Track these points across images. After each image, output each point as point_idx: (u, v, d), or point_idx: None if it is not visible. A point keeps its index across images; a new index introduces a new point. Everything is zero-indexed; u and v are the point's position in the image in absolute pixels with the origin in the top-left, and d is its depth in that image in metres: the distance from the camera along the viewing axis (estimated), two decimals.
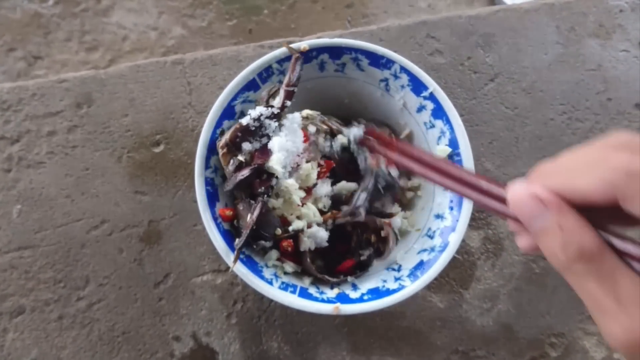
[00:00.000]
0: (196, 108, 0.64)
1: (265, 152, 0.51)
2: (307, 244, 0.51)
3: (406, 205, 0.60)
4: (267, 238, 0.50)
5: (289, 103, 0.53)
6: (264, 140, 0.51)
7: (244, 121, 0.51)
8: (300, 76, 0.54)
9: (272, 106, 0.52)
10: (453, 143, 0.53)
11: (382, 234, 0.53)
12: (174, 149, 0.63)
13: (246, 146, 0.50)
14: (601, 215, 0.26)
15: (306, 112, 0.55)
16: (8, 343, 0.58)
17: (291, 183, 0.51)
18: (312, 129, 0.52)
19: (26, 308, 0.59)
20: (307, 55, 0.55)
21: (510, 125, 0.67)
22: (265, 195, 0.50)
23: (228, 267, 0.60)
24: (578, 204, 0.26)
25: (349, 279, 0.53)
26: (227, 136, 0.50)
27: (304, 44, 0.54)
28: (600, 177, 0.24)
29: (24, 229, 0.60)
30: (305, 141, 0.53)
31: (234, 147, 0.50)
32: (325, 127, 0.53)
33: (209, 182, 0.51)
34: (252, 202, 0.50)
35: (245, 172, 0.49)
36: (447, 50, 0.68)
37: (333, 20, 1.10)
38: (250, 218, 0.49)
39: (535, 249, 0.30)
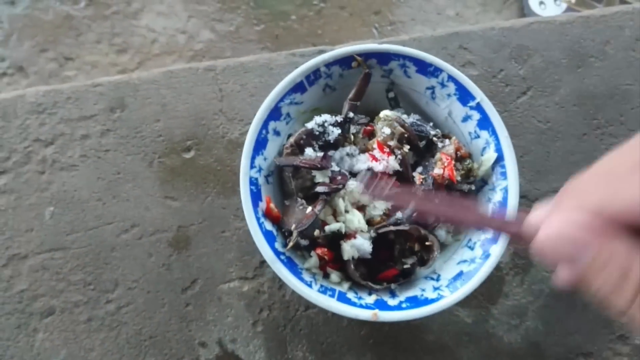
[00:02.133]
0: (227, 115, 0.65)
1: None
2: (349, 253, 0.51)
3: None
4: (304, 236, 0.51)
5: (351, 115, 0.55)
6: (322, 148, 0.54)
7: (310, 125, 0.54)
8: (366, 91, 0.56)
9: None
10: (498, 155, 0.53)
11: (427, 242, 0.52)
12: (204, 155, 0.64)
13: (309, 151, 0.53)
14: None
15: (384, 113, 0.55)
16: (38, 343, 0.59)
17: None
18: (386, 130, 0.52)
19: (56, 309, 0.59)
20: (353, 60, 0.55)
21: (542, 139, 0.66)
22: (328, 196, 0.52)
23: (255, 275, 0.60)
24: (628, 222, 0.21)
25: (393, 286, 0.53)
26: (292, 139, 0.53)
27: (351, 49, 0.54)
28: None
29: (56, 231, 0.61)
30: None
31: (297, 149, 0.53)
32: (402, 130, 0.53)
33: (253, 182, 0.52)
34: (304, 202, 0.52)
35: (323, 188, 0.52)
36: (480, 62, 0.68)
37: (360, 27, 1.10)
38: (312, 210, 0.51)
39: (577, 282, 0.24)
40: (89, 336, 0.59)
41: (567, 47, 0.69)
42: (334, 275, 0.54)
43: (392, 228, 0.52)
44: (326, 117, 0.54)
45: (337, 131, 0.54)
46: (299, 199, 0.53)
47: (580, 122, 0.67)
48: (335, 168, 0.53)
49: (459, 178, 0.54)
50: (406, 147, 0.54)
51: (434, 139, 0.56)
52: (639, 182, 0.20)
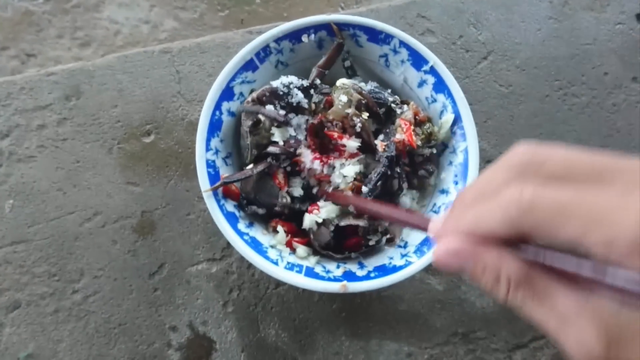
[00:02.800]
0: (186, 97, 0.64)
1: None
2: (310, 223, 0.51)
3: (416, 186, 0.59)
4: (260, 205, 0.51)
5: (318, 81, 0.54)
6: (284, 109, 0.53)
7: (275, 83, 0.52)
8: (335, 60, 0.55)
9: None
10: (456, 117, 0.53)
11: (389, 235, 0.52)
12: (165, 139, 0.63)
13: (270, 108, 0.51)
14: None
15: (341, 81, 0.54)
16: (5, 338, 0.58)
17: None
18: (343, 98, 0.51)
19: (22, 302, 0.58)
20: (303, 34, 0.55)
21: (505, 103, 0.66)
22: (276, 160, 0.52)
23: (223, 256, 0.59)
24: (494, 238, 0.25)
25: (353, 255, 0.53)
26: (254, 94, 0.52)
27: (299, 22, 0.54)
28: (497, 217, 0.24)
29: (17, 224, 0.60)
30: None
31: (259, 103, 0.52)
32: (359, 97, 0.52)
33: (210, 165, 0.51)
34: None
35: (274, 149, 0.51)
36: (439, 29, 0.67)
37: (325, 6, 1.09)
38: (251, 168, 0.51)
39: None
40: (56, 327, 0.58)
41: (525, 10, 0.69)
42: (300, 250, 0.53)
43: (352, 222, 0.51)
44: (292, 79, 0.53)
45: (301, 95, 0.53)
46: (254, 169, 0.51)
47: (542, 84, 0.67)
48: (292, 133, 0.52)
49: (419, 143, 0.54)
50: (365, 115, 0.53)
51: (393, 105, 0.55)
52: (493, 216, 0.24)
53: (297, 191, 0.53)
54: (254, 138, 0.52)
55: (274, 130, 0.51)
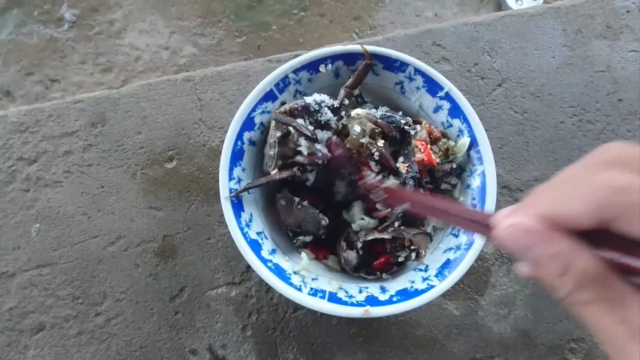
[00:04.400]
0: (207, 123, 0.65)
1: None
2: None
3: None
4: (307, 233, 0.53)
5: (347, 102, 0.56)
6: (312, 126, 0.54)
7: (308, 99, 0.54)
8: (362, 80, 0.57)
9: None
10: (472, 140, 0.54)
11: (412, 247, 0.53)
12: (186, 164, 0.64)
13: (293, 122, 0.52)
14: (604, 240, 0.24)
15: (355, 111, 0.55)
16: None
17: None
18: (357, 128, 0.52)
19: (46, 325, 0.60)
20: (321, 64, 0.56)
21: (520, 129, 0.67)
22: (301, 170, 0.53)
23: (242, 280, 0.60)
24: (571, 227, 0.24)
25: (385, 276, 0.54)
26: (287, 106, 0.53)
27: (317, 52, 0.55)
28: (585, 199, 0.22)
29: (43, 247, 0.61)
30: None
31: (290, 116, 0.53)
32: (373, 127, 0.53)
33: (241, 188, 0.52)
34: (295, 199, 0.53)
35: (302, 159, 0.52)
36: (454, 57, 0.69)
37: (340, 32, 1.11)
38: (276, 174, 0.53)
39: (535, 277, 0.27)
40: (79, 350, 0.59)
41: (539, 38, 0.70)
42: (331, 261, 0.55)
43: (377, 236, 0.52)
44: (324, 98, 0.54)
45: (330, 114, 0.54)
46: (296, 198, 0.52)
47: (556, 111, 0.68)
48: (318, 147, 0.53)
49: (438, 160, 0.55)
50: (380, 142, 0.54)
51: (406, 127, 0.56)
52: (578, 200, 0.23)
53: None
54: (281, 149, 0.53)
55: (302, 141, 0.53)
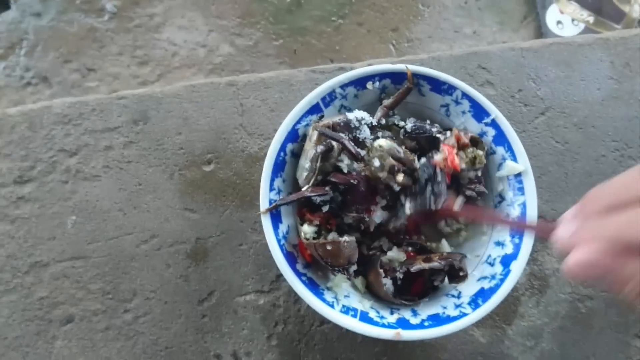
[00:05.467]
0: (247, 129, 0.66)
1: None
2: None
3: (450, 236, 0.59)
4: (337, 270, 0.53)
5: (384, 121, 0.56)
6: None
7: (350, 115, 0.54)
8: (400, 102, 0.57)
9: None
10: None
11: (461, 274, 0.52)
12: (224, 169, 0.64)
13: (344, 140, 0.52)
14: None
15: (378, 142, 0.53)
16: (56, 350, 0.59)
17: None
18: (376, 162, 0.52)
19: (75, 317, 0.60)
20: (369, 81, 0.56)
21: (560, 160, 0.66)
22: (334, 190, 0.53)
23: (271, 289, 0.61)
24: None
25: (422, 301, 0.54)
26: (329, 121, 0.53)
27: (366, 70, 0.55)
28: None
29: (77, 240, 0.62)
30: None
31: (332, 130, 0.53)
32: (393, 163, 0.52)
33: (273, 204, 0.52)
34: (349, 239, 0.51)
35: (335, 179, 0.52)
36: (498, 81, 0.68)
37: (377, 43, 1.11)
38: (307, 190, 0.52)
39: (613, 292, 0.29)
40: (106, 345, 0.60)
41: (586, 69, 0.69)
42: (358, 283, 0.55)
43: (425, 266, 0.52)
44: (364, 115, 0.54)
45: (368, 132, 0.54)
46: (345, 235, 0.52)
47: (598, 144, 0.67)
48: (357, 167, 0.53)
49: (463, 165, 0.54)
50: (400, 176, 0.53)
51: (437, 135, 0.56)
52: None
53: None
54: (322, 164, 0.53)
55: (344, 158, 0.53)
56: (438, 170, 0.53)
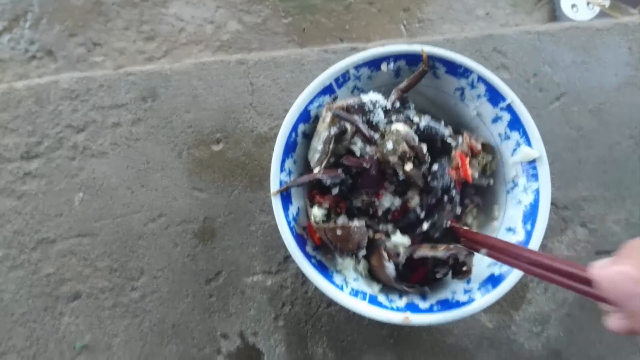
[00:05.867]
0: (257, 109, 0.65)
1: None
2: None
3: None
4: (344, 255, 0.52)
5: (398, 104, 0.55)
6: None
7: (365, 98, 0.53)
8: (415, 85, 0.55)
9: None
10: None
11: (464, 268, 0.52)
12: (233, 149, 0.64)
13: (358, 122, 0.51)
14: None
15: (395, 126, 0.53)
16: (63, 326, 0.60)
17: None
18: (389, 145, 0.51)
19: (82, 294, 0.60)
20: (383, 62, 0.55)
21: (574, 146, 0.65)
22: (345, 173, 0.52)
23: (278, 270, 0.60)
24: None
25: (426, 288, 0.53)
26: (343, 103, 0.52)
27: (381, 50, 0.54)
28: None
29: (85, 217, 0.62)
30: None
31: (346, 112, 0.52)
32: (406, 150, 0.51)
33: (283, 185, 0.52)
34: (359, 223, 0.50)
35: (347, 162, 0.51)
36: (513, 66, 0.67)
37: (388, 23, 1.09)
38: (319, 171, 0.51)
39: (631, 330, 0.28)
40: (113, 322, 0.60)
41: (603, 55, 0.68)
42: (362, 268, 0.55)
43: (428, 254, 0.51)
44: (379, 98, 0.53)
45: (382, 116, 0.53)
46: (355, 220, 0.51)
47: (613, 131, 0.66)
48: (369, 150, 0.52)
49: (475, 175, 0.54)
50: (409, 165, 0.51)
51: (449, 139, 0.55)
52: None
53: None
54: (335, 146, 0.52)
55: (357, 141, 0.52)
56: (453, 177, 0.53)
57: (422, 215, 0.52)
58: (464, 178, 0.54)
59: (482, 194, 0.58)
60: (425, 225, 0.52)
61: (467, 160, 0.54)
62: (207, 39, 1.06)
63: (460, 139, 0.55)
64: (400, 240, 0.53)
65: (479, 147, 0.56)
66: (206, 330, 0.60)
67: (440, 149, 0.56)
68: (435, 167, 0.53)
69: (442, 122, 0.56)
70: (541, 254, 0.40)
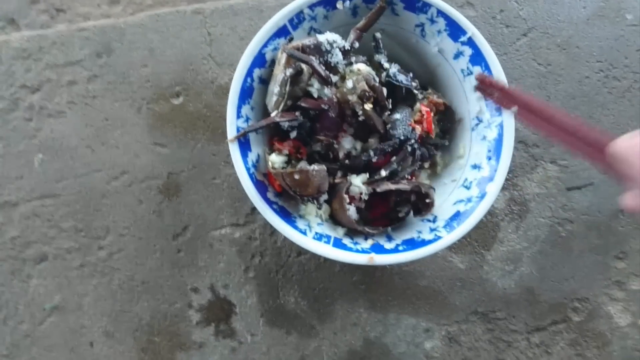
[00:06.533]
0: (216, 59, 0.63)
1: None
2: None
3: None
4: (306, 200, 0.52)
5: (357, 45, 0.53)
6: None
7: (321, 38, 0.50)
8: (373, 24, 0.53)
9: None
10: None
11: (427, 200, 0.51)
12: (193, 101, 0.62)
13: (312, 61, 0.49)
14: None
15: (357, 66, 0.51)
16: (32, 288, 0.59)
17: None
18: (349, 84, 0.49)
19: (49, 255, 0.60)
20: (338, 0, 0.53)
21: (543, 82, 0.64)
22: (303, 115, 0.51)
23: (246, 222, 0.60)
24: None
25: (389, 229, 0.53)
26: (298, 43, 0.50)
27: None
28: None
29: (46, 178, 0.60)
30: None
31: (301, 52, 0.50)
32: (365, 89, 0.50)
33: (240, 131, 0.50)
34: (318, 167, 0.49)
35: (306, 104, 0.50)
36: (479, 2, 0.65)
37: None
38: (276, 115, 0.50)
39: None
40: (82, 282, 0.59)
41: None
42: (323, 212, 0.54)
43: (391, 187, 0.50)
44: (336, 38, 0.51)
45: (340, 57, 0.51)
46: (314, 164, 0.50)
47: (582, 65, 0.64)
48: (328, 92, 0.51)
49: (437, 130, 0.54)
50: (368, 105, 0.50)
51: (415, 90, 0.54)
52: None
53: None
54: (292, 88, 0.51)
55: (314, 82, 0.51)
56: (416, 131, 0.52)
57: (375, 159, 0.51)
58: (426, 132, 0.53)
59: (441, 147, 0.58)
60: (383, 172, 0.51)
61: (432, 114, 0.53)
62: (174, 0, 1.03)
63: (424, 92, 0.54)
64: (361, 181, 0.52)
65: (442, 106, 0.55)
66: (176, 285, 0.60)
67: (403, 99, 0.55)
68: (397, 115, 0.52)
69: (411, 74, 0.55)
70: (572, 118, 0.39)
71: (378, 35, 0.55)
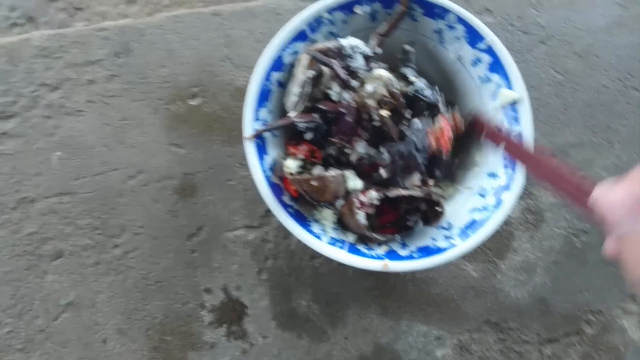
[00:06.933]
0: (234, 61, 0.63)
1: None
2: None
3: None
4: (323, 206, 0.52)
5: (380, 51, 0.53)
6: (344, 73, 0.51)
7: (343, 42, 0.51)
8: (395, 29, 0.54)
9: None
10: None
11: (438, 208, 0.51)
12: (210, 103, 0.62)
13: (334, 64, 0.50)
14: None
15: (378, 72, 0.51)
16: (47, 284, 0.60)
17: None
18: (369, 88, 0.50)
19: (64, 252, 0.60)
20: (356, 5, 0.53)
21: (560, 90, 0.64)
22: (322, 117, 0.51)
23: (260, 224, 0.60)
24: None
25: (397, 237, 0.53)
26: (320, 45, 0.51)
27: None
28: None
29: (63, 176, 0.61)
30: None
31: (324, 55, 0.50)
32: (384, 95, 0.50)
33: (258, 135, 0.51)
34: (336, 171, 0.50)
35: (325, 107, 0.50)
36: (497, 8, 0.65)
37: None
38: (295, 116, 0.51)
39: (618, 254, 0.28)
40: (96, 279, 0.60)
41: None
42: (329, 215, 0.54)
43: (403, 192, 0.50)
44: (359, 43, 0.52)
45: (362, 62, 0.51)
46: (331, 170, 0.50)
47: (600, 74, 0.64)
48: (347, 96, 0.51)
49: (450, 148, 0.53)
50: (384, 112, 0.50)
51: (440, 106, 0.54)
52: None
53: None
54: (313, 90, 0.51)
55: (334, 85, 0.51)
56: (431, 142, 0.52)
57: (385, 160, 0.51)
58: (440, 149, 0.53)
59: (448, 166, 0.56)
60: (384, 173, 0.51)
61: (450, 133, 0.53)
62: (191, 0, 1.04)
63: (450, 109, 0.54)
64: (355, 183, 0.52)
65: (462, 127, 0.55)
66: (189, 285, 0.60)
67: (424, 111, 0.54)
68: (418, 124, 0.52)
69: (437, 88, 0.55)
70: (557, 163, 0.40)
71: (408, 47, 0.55)
